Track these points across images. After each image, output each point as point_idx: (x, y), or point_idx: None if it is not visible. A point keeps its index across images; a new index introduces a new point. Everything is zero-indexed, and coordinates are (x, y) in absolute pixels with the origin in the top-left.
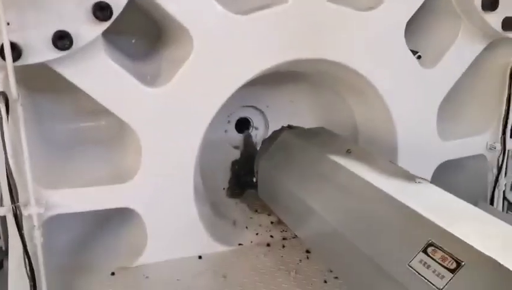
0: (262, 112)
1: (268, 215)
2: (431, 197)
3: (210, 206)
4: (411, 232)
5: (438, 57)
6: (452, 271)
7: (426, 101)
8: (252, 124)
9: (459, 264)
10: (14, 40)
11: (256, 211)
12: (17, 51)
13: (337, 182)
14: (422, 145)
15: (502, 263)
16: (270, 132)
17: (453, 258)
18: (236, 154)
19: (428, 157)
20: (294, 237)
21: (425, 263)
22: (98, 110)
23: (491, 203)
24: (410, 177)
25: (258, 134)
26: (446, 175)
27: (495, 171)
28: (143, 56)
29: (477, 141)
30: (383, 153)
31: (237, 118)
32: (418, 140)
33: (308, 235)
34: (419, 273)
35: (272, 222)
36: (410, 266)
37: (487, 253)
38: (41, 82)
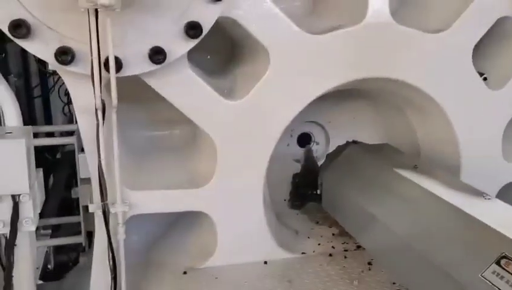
0: (323, 128)
1: (330, 227)
2: (500, 212)
3: (275, 216)
4: (482, 245)
5: (504, 79)
6: None
7: (492, 123)
8: (313, 139)
9: None
10: (116, 54)
11: (317, 222)
12: (118, 64)
13: (404, 194)
14: (486, 165)
15: None
16: (330, 147)
17: None
18: (297, 168)
19: (492, 178)
20: (355, 249)
21: (498, 274)
22: (173, 120)
23: None
24: (478, 193)
25: (319, 149)
26: (510, 197)
27: None
28: (217, 71)
29: None
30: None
31: (299, 132)
32: (482, 160)
33: (373, 245)
34: (492, 283)
35: (333, 234)
36: (483, 277)
37: None
38: (124, 93)
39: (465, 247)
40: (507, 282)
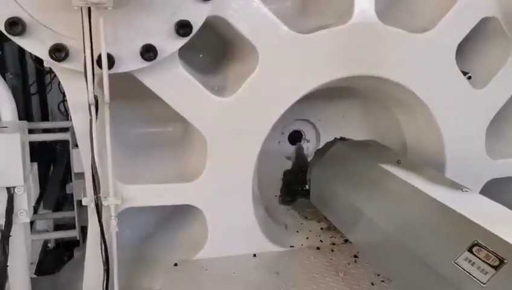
0: (314, 126)
1: (318, 222)
2: (476, 203)
3: (264, 210)
4: (457, 234)
5: (488, 78)
6: (495, 268)
7: (475, 120)
8: (304, 136)
9: (502, 262)
10: (109, 51)
11: (306, 217)
12: (110, 61)
13: (387, 188)
14: (471, 162)
15: None
16: (321, 145)
17: (496, 257)
18: (288, 165)
19: (476, 174)
20: (343, 243)
21: (470, 260)
22: (166, 117)
23: None
24: (456, 186)
25: (310, 146)
26: (494, 193)
27: None
28: (209, 69)
29: None
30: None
31: (290, 130)
32: (467, 157)
33: (359, 238)
34: (464, 269)
35: (321, 228)
36: (456, 264)
37: None
38: (118, 90)
39: (441, 236)
40: (478, 268)
